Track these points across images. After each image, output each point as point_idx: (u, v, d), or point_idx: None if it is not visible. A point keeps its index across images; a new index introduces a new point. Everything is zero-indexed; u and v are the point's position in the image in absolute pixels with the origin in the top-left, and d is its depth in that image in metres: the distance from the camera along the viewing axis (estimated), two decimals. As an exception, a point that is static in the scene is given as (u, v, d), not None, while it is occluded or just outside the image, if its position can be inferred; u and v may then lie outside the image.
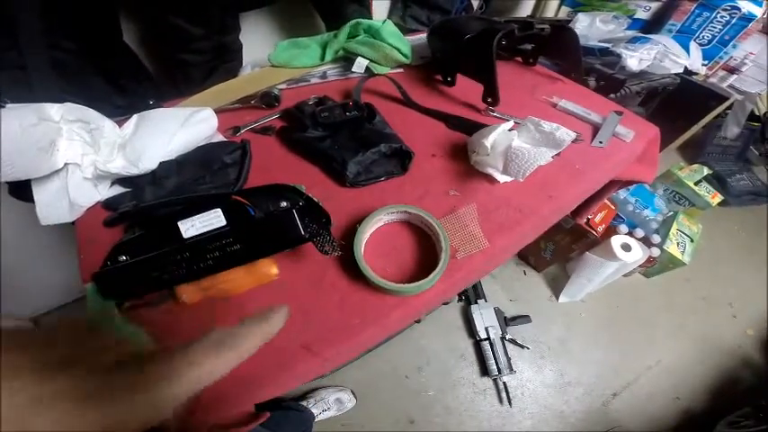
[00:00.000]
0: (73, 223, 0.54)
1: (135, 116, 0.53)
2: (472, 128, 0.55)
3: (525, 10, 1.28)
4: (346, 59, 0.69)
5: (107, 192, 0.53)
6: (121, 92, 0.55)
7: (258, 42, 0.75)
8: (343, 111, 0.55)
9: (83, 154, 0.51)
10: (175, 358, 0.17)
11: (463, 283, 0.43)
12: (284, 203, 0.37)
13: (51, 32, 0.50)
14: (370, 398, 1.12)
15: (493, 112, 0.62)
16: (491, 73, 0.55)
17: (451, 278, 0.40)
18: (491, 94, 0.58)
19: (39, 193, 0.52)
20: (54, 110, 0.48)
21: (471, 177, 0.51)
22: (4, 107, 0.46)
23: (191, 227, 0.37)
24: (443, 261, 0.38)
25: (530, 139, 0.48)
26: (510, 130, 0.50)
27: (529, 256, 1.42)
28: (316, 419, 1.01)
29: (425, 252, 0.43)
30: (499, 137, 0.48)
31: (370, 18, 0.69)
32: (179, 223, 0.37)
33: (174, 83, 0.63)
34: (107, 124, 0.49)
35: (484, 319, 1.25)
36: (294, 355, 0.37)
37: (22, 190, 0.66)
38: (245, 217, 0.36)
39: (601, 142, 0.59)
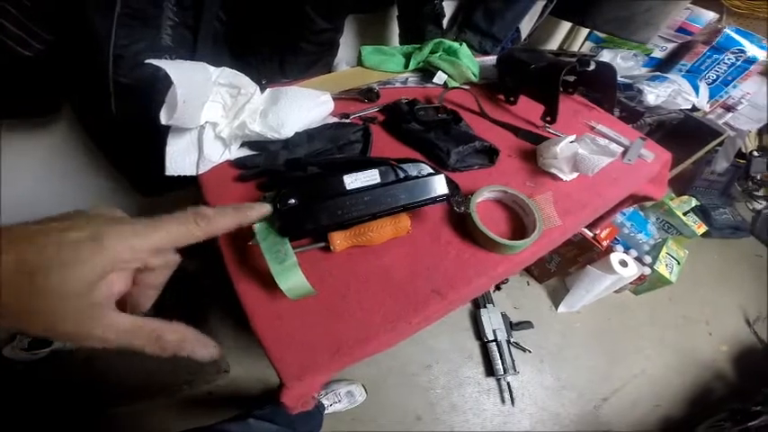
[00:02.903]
0: (166, 185, 0.64)
1: (268, 90, 0.67)
2: (537, 138, 0.75)
3: (556, 42, 1.53)
4: (425, 71, 0.88)
5: (236, 153, 0.66)
6: (241, 69, 0.68)
7: (346, 43, 0.92)
8: (435, 112, 0.73)
9: (221, 116, 0.64)
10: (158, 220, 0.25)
11: (545, 250, 0.62)
12: (424, 171, 0.53)
13: (220, 3, 0.63)
14: (379, 393, 1.24)
15: (548, 128, 0.82)
16: (555, 98, 0.76)
17: (538, 244, 0.58)
18: (551, 115, 0.79)
19: (172, 144, 0.63)
20: (213, 71, 0.60)
21: (540, 175, 0.70)
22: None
23: (354, 180, 0.52)
24: (539, 227, 0.55)
25: (589, 149, 0.68)
26: (571, 143, 0.69)
27: (533, 268, 1.63)
28: (326, 411, 1.09)
29: (515, 225, 0.61)
30: (565, 146, 0.67)
31: (443, 38, 0.88)
32: (344, 177, 0.51)
33: (283, 67, 0.78)
34: (257, 92, 0.63)
35: (492, 322, 1.43)
36: (426, 298, 0.52)
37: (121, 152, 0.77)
38: (398, 176, 0.52)
39: (630, 160, 0.80)
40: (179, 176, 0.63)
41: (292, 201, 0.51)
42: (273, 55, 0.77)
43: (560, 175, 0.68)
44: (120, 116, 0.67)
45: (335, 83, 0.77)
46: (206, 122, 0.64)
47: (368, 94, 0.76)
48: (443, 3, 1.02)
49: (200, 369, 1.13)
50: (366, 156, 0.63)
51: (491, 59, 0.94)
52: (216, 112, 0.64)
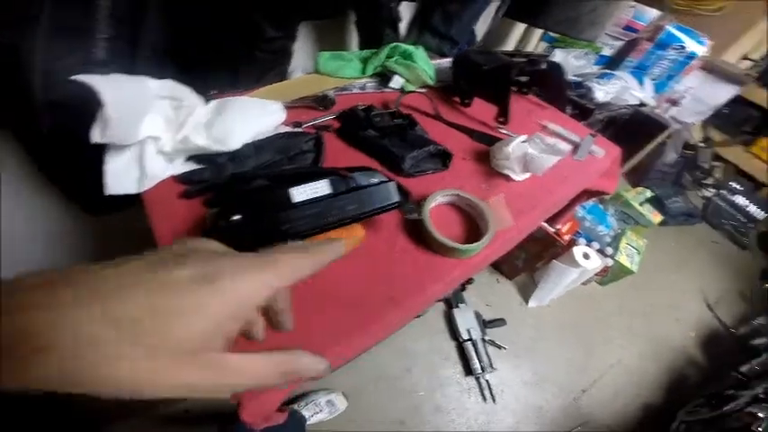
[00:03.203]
0: (113, 204, 0.61)
1: (213, 101, 0.65)
2: (490, 140, 0.76)
3: (511, 42, 1.57)
4: (382, 75, 0.88)
5: (181, 167, 0.63)
6: (188, 80, 0.65)
7: (302, 50, 0.91)
8: (390, 117, 0.73)
9: (164, 130, 0.61)
10: (260, 257, 0.22)
11: (500, 251, 0.62)
12: (375, 179, 0.53)
13: (160, 13, 0.61)
14: (361, 400, 1.22)
15: (501, 128, 0.83)
16: (506, 99, 0.77)
17: (492, 246, 0.59)
18: (504, 115, 0.80)
19: (111, 162, 0.60)
20: (153, 84, 0.58)
21: (493, 176, 0.71)
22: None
23: (301, 193, 0.50)
24: (491, 229, 0.56)
25: (538, 149, 0.69)
26: (522, 143, 0.70)
27: (501, 265, 1.66)
28: (308, 422, 1.07)
29: (469, 228, 0.61)
30: (516, 146, 0.68)
31: (401, 43, 0.88)
32: (291, 189, 0.50)
33: (234, 77, 0.75)
34: (199, 103, 0.61)
35: (465, 321, 1.44)
36: (382, 307, 0.51)
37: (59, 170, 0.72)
38: (348, 186, 0.51)
39: (580, 156, 0.83)
40: (124, 195, 0.60)
41: (236, 217, 0.49)
42: (223, 65, 0.75)
43: (513, 176, 0.69)
44: (52, 135, 0.63)
45: (290, 91, 0.76)
46: (147, 137, 0.61)
47: (323, 102, 0.75)
48: (399, 7, 1.02)
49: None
50: (318, 166, 0.62)
51: (447, 62, 0.95)
52: (157, 126, 0.61)
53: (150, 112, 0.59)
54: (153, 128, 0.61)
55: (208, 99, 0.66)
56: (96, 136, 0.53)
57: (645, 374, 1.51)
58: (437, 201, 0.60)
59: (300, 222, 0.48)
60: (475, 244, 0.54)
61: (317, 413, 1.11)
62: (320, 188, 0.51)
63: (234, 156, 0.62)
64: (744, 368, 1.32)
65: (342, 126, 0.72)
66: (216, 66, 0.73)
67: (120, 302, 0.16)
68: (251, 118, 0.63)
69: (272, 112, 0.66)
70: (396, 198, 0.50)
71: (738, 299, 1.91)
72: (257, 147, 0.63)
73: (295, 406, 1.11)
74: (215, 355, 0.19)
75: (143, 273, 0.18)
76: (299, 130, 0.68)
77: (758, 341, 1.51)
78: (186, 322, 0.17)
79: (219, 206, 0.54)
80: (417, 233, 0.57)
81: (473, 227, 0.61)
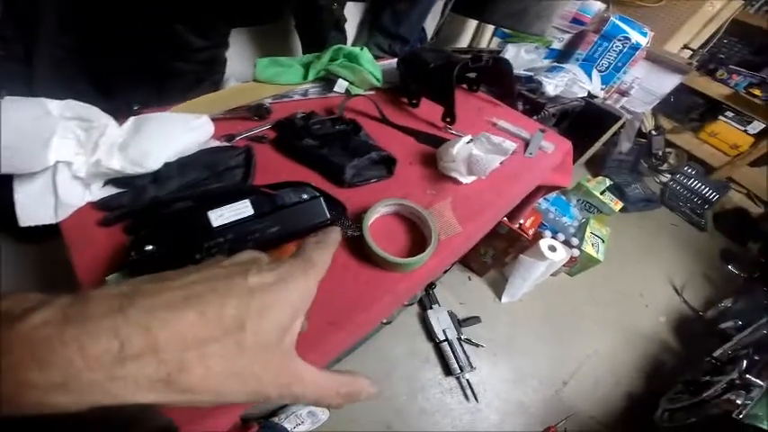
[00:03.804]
0: (44, 231, 0.55)
1: (131, 119, 0.58)
2: (438, 141, 0.72)
3: (465, 40, 1.55)
4: (326, 80, 0.82)
5: (99, 192, 0.56)
6: (107, 96, 0.59)
7: (238, 57, 0.84)
8: (332, 124, 0.67)
9: (75, 153, 0.55)
10: (300, 258, 0.23)
11: (449, 259, 0.57)
12: (305, 195, 0.48)
13: (57, 28, 0.54)
14: (342, 409, 1.16)
15: (450, 129, 0.79)
16: (451, 98, 0.73)
17: (439, 256, 0.54)
18: (450, 115, 0.76)
19: (21, 191, 0.53)
20: (53, 105, 0.51)
21: (441, 180, 0.67)
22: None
23: (220, 216, 0.45)
24: (434, 240, 0.52)
25: (483, 149, 0.66)
26: (468, 143, 0.67)
27: (471, 263, 1.63)
28: None
29: (414, 238, 0.57)
30: (461, 147, 0.64)
31: (345, 44, 0.84)
32: (209, 213, 0.45)
33: (159, 90, 0.69)
34: (110, 123, 0.54)
35: (440, 321, 1.41)
36: (322, 333, 0.46)
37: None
38: (273, 205, 0.46)
39: (531, 153, 0.80)
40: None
41: (149, 247, 0.43)
42: (145, 79, 0.68)
43: (460, 178, 0.65)
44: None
45: (222, 102, 0.69)
46: (57, 162, 0.54)
47: (257, 111, 0.69)
48: (344, 8, 0.98)
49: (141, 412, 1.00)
50: (246, 183, 0.56)
51: (395, 62, 0.91)
52: (68, 150, 0.54)
53: (57, 136, 0.53)
54: (63, 152, 0.54)
55: (132, 116, 0.59)
56: None
57: (621, 362, 1.51)
58: (379, 212, 0.56)
59: (219, 249, 0.43)
60: (417, 257, 0.50)
61: (299, 425, 1.08)
62: (241, 209, 0.46)
63: (155, 177, 0.56)
64: (716, 353, 1.32)
65: (278, 136, 0.66)
66: (137, 80, 0.66)
67: (220, 306, 0.18)
68: (173, 135, 0.57)
69: (196, 127, 0.59)
70: (325, 216, 0.46)
71: (704, 281, 1.94)
72: (181, 165, 0.57)
73: (275, 419, 1.07)
74: (290, 356, 0.20)
75: (228, 281, 0.19)
76: (228, 144, 0.62)
77: (726, 325, 1.52)
78: (274, 315, 0.19)
79: (134, 235, 0.48)
80: (359, 248, 0.53)
81: (418, 237, 0.56)
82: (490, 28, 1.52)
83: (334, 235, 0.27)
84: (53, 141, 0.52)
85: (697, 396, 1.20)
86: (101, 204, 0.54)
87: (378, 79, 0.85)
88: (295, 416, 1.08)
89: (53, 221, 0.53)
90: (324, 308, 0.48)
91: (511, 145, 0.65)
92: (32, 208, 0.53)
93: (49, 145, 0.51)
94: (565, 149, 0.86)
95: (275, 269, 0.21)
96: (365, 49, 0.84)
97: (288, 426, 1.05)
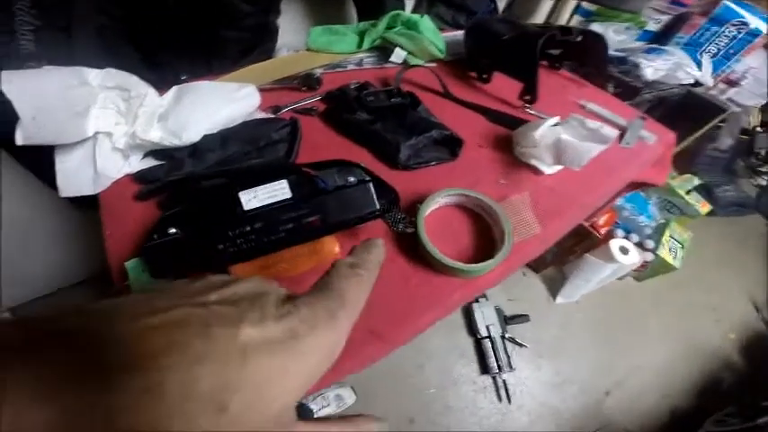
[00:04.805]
0: (96, 197, 0.51)
1: (174, 88, 0.51)
2: (513, 122, 0.57)
3: (540, 16, 1.32)
4: (382, 49, 0.70)
5: (138, 164, 0.51)
6: (154, 66, 0.53)
7: (291, 26, 0.75)
8: (387, 97, 0.56)
9: (116, 123, 0.49)
10: (325, 295, 0.16)
11: (517, 265, 0.44)
12: (352, 179, 0.37)
13: None
14: (370, 395, 1.11)
15: (529, 109, 0.64)
16: (533, 73, 0.58)
17: (508, 261, 0.42)
18: (531, 93, 0.61)
19: (61, 161, 0.50)
20: (93, 75, 0.47)
21: (517, 168, 0.53)
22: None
23: (252, 198, 0.36)
24: (508, 242, 0.39)
25: (576, 135, 0.50)
26: (554, 126, 0.51)
27: (529, 258, 1.45)
28: (314, 415, 1.00)
29: (480, 235, 0.44)
30: (546, 131, 0.49)
31: (404, 12, 0.70)
32: (240, 194, 0.36)
33: (208, 59, 0.61)
34: (149, 92, 0.48)
35: (485, 317, 1.28)
36: (360, 340, 0.37)
37: (38, 164, 0.63)
38: (314, 189, 0.36)
39: (628, 143, 0.62)
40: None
41: (172, 230, 0.36)
42: (193, 47, 0.60)
43: (542, 168, 0.50)
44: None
45: (271, 71, 0.60)
46: (98, 133, 0.49)
47: (307, 81, 0.59)
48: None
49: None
50: (289, 159, 0.47)
51: (461, 33, 0.76)
52: (109, 120, 0.49)
53: (96, 106, 0.47)
54: (104, 122, 0.49)
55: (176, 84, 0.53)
56: (19, 138, 0.43)
57: (674, 377, 1.29)
58: (438, 203, 0.44)
59: (246, 239, 0.34)
60: (483, 263, 0.37)
61: (325, 407, 1.03)
62: (277, 191, 0.36)
63: (194, 150, 0.48)
64: None
65: (328, 109, 0.56)
66: (184, 49, 0.59)
67: (186, 374, 0.11)
68: (215, 106, 0.49)
69: (241, 98, 0.51)
70: (374, 205, 0.35)
71: (790, 300, 1.59)
72: (223, 138, 0.49)
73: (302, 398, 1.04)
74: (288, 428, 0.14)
75: (207, 333, 0.12)
76: (272, 116, 0.53)
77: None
78: (275, 391, 0.12)
79: (165, 212, 0.41)
80: (410, 246, 0.41)
81: (485, 235, 0.43)
82: (570, 4, 1.28)
83: (377, 254, 0.19)
84: (92, 112, 0.47)
85: (750, 421, 1.03)
86: (138, 177, 0.49)
87: (440, 50, 0.71)
88: (322, 397, 1.04)
89: (91, 193, 0.49)
90: (365, 313, 0.37)
91: (612, 132, 0.49)
92: (72, 179, 0.50)
93: (88, 115, 0.47)
94: (667, 141, 0.67)
95: (287, 315, 0.13)
96: (426, 16, 0.70)
97: (313, 407, 1.01)
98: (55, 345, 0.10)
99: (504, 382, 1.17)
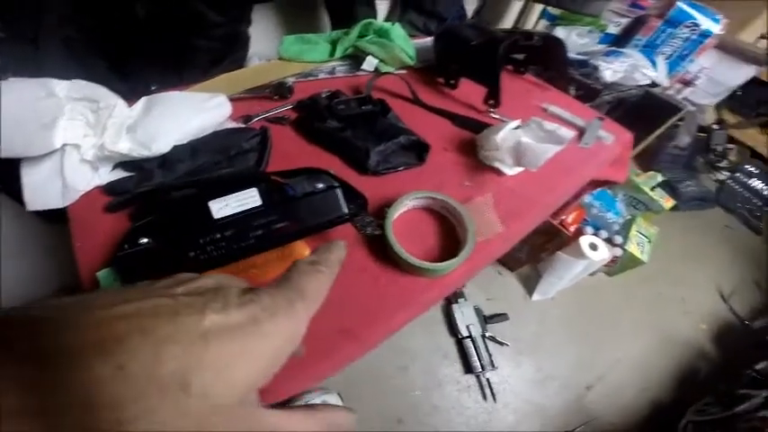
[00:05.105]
0: (64, 210, 0.51)
1: (143, 99, 0.51)
2: (478, 126, 0.60)
3: (508, 22, 1.38)
4: (354, 57, 0.72)
5: (107, 176, 0.50)
6: (123, 76, 0.53)
7: (263, 35, 0.76)
8: (358, 104, 0.57)
9: (84, 135, 0.49)
10: (285, 287, 0.17)
11: (482, 264, 0.46)
12: (320, 185, 0.38)
13: (70, 7, 0.48)
14: (356, 400, 1.11)
15: (493, 113, 0.67)
16: (496, 78, 0.61)
17: (473, 260, 0.44)
18: (494, 97, 0.63)
19: (28, 174, 0.49)
20: (60, 86, 0.46)
21: (481, 170, 0.55)
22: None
23: (224, 206, 0.37)
24: (470, 241, 0.41)
25: (534, 137, 0.53)
26: (515, 129, 0.54)
27: (503, 257, 1.49)
28: None
29: (446, 237, 0.46)
30: (507, 134, 0.52)
31: (376, 20, 0.72)
32: (210, 203, 0.37)
33: (178, 69, 0.61)
34: (118, 103, 0.48)
35: (465, 317, 1.30)
36: (333, 342, 0.38)
37: (2, 177, 0.61)
38: (283, 196, 0.37)
39: (587, 143, 0.66)
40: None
41: (144, 240, 0.36)
42: (164, 58, 0.61)
43: (504, 169, 0.53)
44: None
45: (243, 81, 0.61)
46: (65, 145, 0.48)
47: (278, 90, 0.60)
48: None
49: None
50: (259, 168, 0.48)
51: (431, 40, 0.79)
52: (77, 132, 0.49)
53: (64, 117, 0.47)
54: (71, 134, 0.49)
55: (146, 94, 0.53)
56: None
57: (652, 369, 1.34)
58: (406, 206, 0.46)
59: (217, 246, 0.35)
60: (448, 261, 0.40)
61: None
62: (247, 199, 0.37)
63: (164, 160, 0.48)
64: (760, 366, 1.14)
65: (299, 118, 0.57)
66: (154, 58, 0.59)
67: (152, 356, 0.12)
68: (185, 116, 0.49)
69: (212, 107, 0.52)
70: (341, 210, 0.36)
71: (754, 289, 1.69)
72: (193, 148, 0.49)
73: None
74: (253, 412, 0.14)
75: (173, 320, 0.13)
76: (242, 126, 0.54)
77: (773, 337, 1.31)
78: (236, 373, 0.13)
79: (136, 223, 0.42)
80: (379, 248, 0.43)
81: (451, 236, 0.46)
82: (537, 9, 1.34)
83: (338, 253, 0.20)
84: (59, 123, 0.47)
85: (729, 409, 1.06)
86: (107, 189, 0.49)
87: (410, 56, 0.74)
88: (306, 403, 1.03)
89: (60, 206, 0.49)
90: (337, 313, 0.39)
91: (568, 133, 0.52)
92: (39, 192, 0.49)
93: (55, 127, 0.46)
94: (624, 141, 0.71)
95: (248, 303, 0.15)
96: (397, 24, 0.73)
97: None
98: (22, 331, 0.11)
99: (487, 380, 1.19)
